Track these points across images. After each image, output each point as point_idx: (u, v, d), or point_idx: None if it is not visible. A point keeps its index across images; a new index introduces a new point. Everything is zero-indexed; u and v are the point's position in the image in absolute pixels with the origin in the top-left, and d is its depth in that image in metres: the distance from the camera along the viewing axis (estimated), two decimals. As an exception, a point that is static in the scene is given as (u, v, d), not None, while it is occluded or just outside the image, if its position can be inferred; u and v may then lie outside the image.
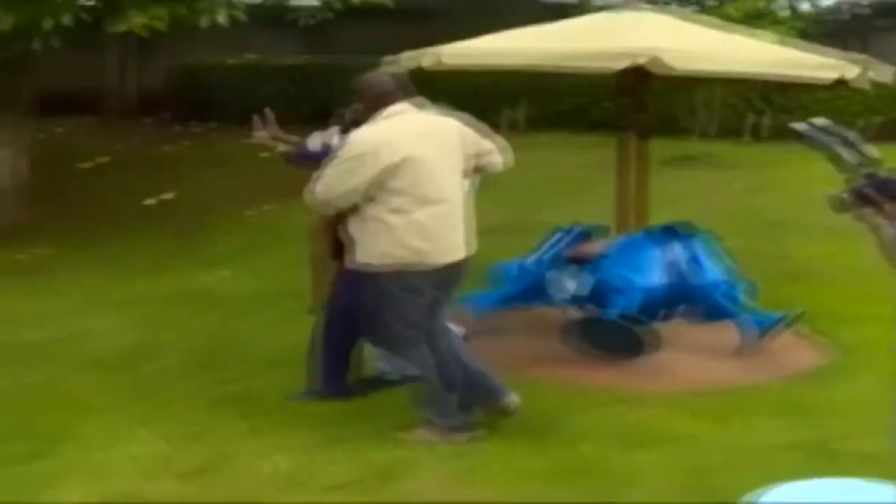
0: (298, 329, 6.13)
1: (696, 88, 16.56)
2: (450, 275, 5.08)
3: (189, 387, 5.84)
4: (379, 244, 4.93)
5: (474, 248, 5.20)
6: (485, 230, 10.35)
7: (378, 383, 5.75)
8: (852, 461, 4.83)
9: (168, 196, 12.16)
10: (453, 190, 5.09)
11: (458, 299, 7.06)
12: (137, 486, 4.43)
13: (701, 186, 13.59)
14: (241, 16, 9.73)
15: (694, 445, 5.12)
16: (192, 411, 5.34)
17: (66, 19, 8.56)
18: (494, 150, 5.35)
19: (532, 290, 7.12)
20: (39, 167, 10.69)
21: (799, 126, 3.19)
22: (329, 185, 4.97)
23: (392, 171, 4.89)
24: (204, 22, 9.49)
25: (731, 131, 17.79)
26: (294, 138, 5.86)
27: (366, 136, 5.01)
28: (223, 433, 5.03)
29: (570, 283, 6.98)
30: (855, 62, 6.60)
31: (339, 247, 5.24)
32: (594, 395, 5.85)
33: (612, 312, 6.54)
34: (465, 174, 5.27)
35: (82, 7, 8.66)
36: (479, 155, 5.27)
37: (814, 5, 21.20)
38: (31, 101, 10.48)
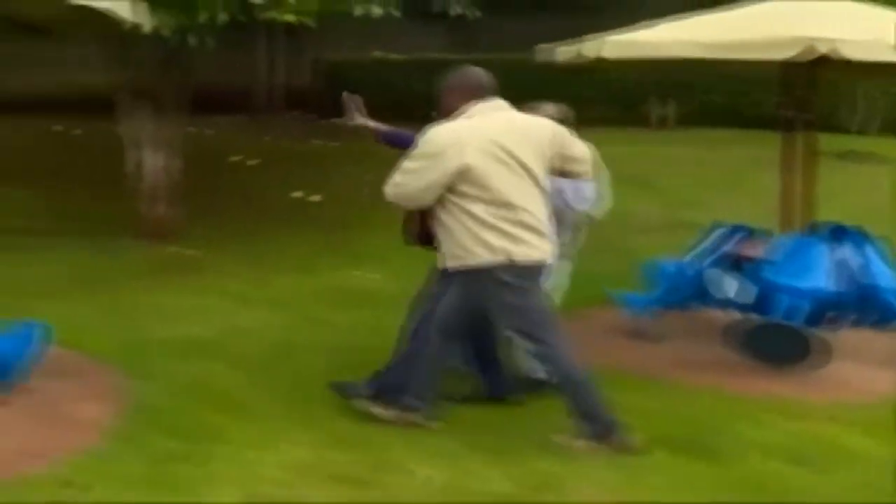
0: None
1: (858, 81, 15.88)
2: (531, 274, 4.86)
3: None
4: (455, 244, 4.84)
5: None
6: (641, 229, 10.27)
7: (531, 384, 5.51)
8: None
9: (315, 194, 12.25)
10: (527, 193, 4.86)
11: (616, 301, 6.92)
12: (289, 489, 4.33)
13: (863, 183, 13.05)
14: (395, 11, 9.62)
15: (871, 465, 4.79)
16: (342, 414, 5.22)
17: (222, 17, 8.59)
18: (582, 160, 5.11)
19: (690, 291, 6.84)
20: (191, 165, 10.84)
21: None
22: (401, 182, 4.86)
23: (458, 175, 4.73)
24: (358, 10, 9.41)
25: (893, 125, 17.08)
26: (383, 127, 5.62)
27: (437, 135, 4.83)
28: (373, 438, 4.90)
29: (731, 283, 6.69)
30: None
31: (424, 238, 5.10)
32: (759, 405, 5.58)
33: (779, 317, 6.23)
34: (550, 172, 5.02)
35: (241, 3, 8.63)
36: (564, 158, 5.02)
37: None
38: (185, 100, 10.62)
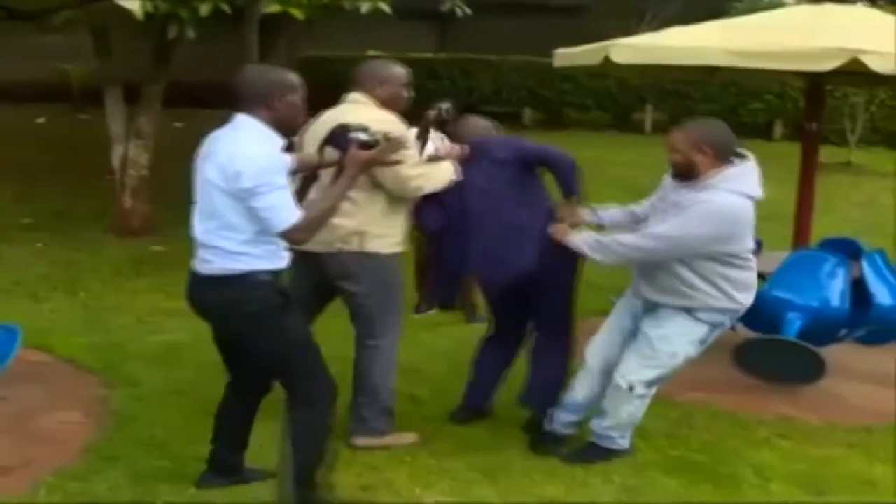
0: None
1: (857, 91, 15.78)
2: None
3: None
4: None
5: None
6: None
7: None
8: None
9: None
10: None
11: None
12: None
13: (859, 195, 12.88)
14: (386, 7, 9.36)
15: (881, 491, 4.64)
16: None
17: (204, 9, 8.28)
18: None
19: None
20: (175, 161, 10.51)
21: None
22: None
23: None
24: (347, 4, 9.17)
25: (885, 138, 16.97)
26: None
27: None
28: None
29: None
30: None
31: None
32: (771, 427, 5.37)
33: (785, 334, 5.97)
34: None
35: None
36: None
37: None
38: (168, 95, 10.32)
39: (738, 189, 4.35)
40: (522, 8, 18.96)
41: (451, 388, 5.37)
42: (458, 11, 10.58)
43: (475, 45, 18.09)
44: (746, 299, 4.55)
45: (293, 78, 3.87)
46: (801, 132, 6.97)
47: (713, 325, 4.54)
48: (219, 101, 18.57)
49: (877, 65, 5.53)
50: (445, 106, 6.88)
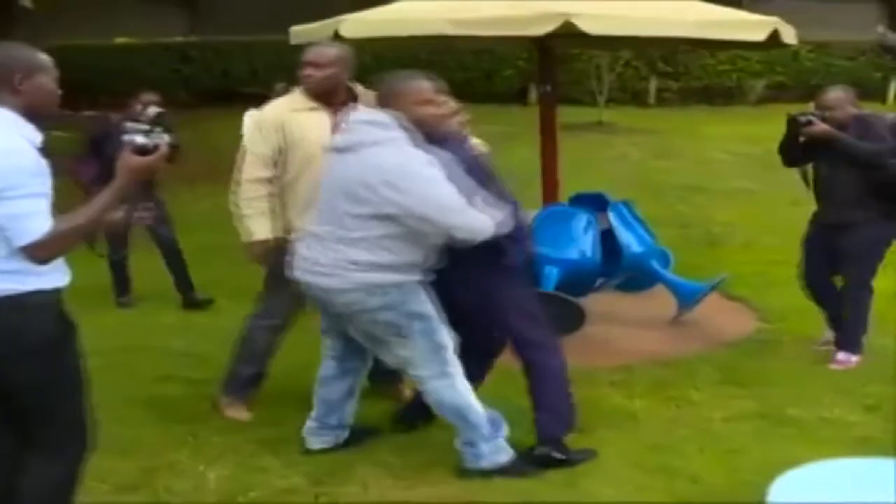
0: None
1: (600, 53, 16.45)
2: None
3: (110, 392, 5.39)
4: None
5: None
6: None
7: None
8: (794, 430, 4.88)
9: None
10: None
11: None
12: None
13: (605, 153, 13.52)
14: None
15: (643, 423, 5.00)
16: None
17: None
18: None
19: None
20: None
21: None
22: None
23: None
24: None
25: (632, 97, 17.83)
26: None
27: None
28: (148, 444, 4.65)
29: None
30: (768, 23, 6.46)
31: None
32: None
33: (542, 287, 6.28)
34: None
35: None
36: None
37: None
38: None
39: None
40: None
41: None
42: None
43: (228, 26, 17.85)
44: None
45: (42, 56, 3.21)
46: (541, 96, 7.27)
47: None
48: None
49: (588, 27, 5.79)
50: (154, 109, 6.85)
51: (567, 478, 4.28)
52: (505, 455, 4.28)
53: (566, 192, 7.30)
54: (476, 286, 4.28)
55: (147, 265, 7.55)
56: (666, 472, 4.34)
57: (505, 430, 4.32)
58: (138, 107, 6.93)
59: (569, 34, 6.00)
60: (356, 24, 6.27)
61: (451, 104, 4.36)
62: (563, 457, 4.37)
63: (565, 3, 5.96)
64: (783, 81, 17.52)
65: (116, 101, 15.89)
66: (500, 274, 4.26)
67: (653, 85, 17.74)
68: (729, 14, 6.70)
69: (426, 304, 4.13)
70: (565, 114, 15.45)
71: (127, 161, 3.15)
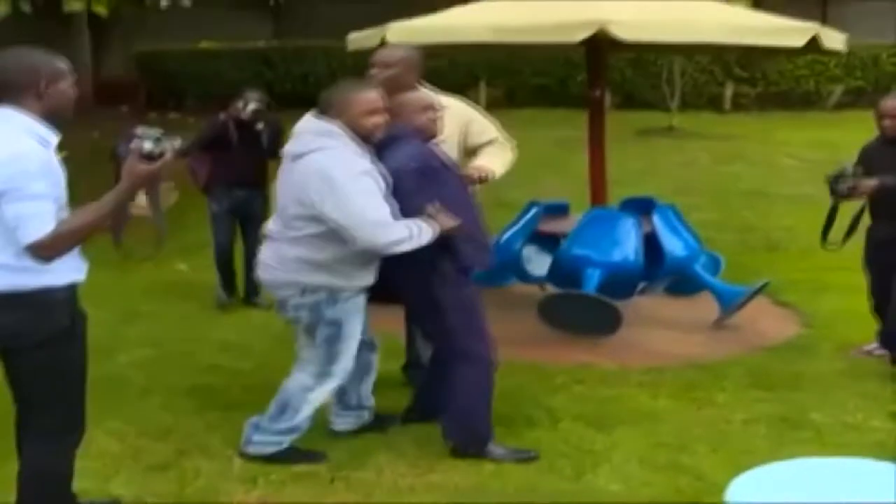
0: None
1: (667, 60, 16.47)
2: None
3: (160, 380, 5.73)
4: None
5: None
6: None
7: None
8: (812, 433, 4.96)
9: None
10: None
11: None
12: (103, 482, 4.30)
13: (674, 158, 13.54)
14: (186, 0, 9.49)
15: (662, 422, 5.10)
16: (159, 405, 5.24)
17: (2, 8, 8.34)
18: None
19: (508, 268, 7.00)
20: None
21: None
22: None
23: None
24: (165, 1, 9.31)
25: (708, 101, 17.74)
26: None
27: None
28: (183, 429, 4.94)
29: (545, 260, 6.91)
30: (808, 29, 6.52)
31: None
32: (569, 374, 5.78)
33: (584, 289, 6.43)
34: None
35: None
36: None
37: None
38: None
39: None
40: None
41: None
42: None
43: (309, 31, 18.24)
44: None
45: (62, 62, 3.40)
46: (592, 101, 7.39)
47: None
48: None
49: (623, 33, 5.93)
50: (252, 105, 7.10)
51: (575, 470, 4.46)
52: (272, 448, 4.47)
53: (621, 195, 7.45)
54: (416, 286, 4.48)
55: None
56: (673, 469, 4.47)
57: (296, 436, 4.50)
58: (240, 104, 7.13)
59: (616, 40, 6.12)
60: (402, 31, 6.52)
61: (422, 99, 4.60)
62: (477, 451, 4.53)
63: (606, 5, 6.11)
64: (862, 86, 17.30)
65: (202, 103, 16.50)
66: (443, 276, 4.42)
67: (729, 90, 17.63)
68: (769, 20, 6.78)
69: (352, 321, 4.39)
70: (637, 119, 15.65)
71: (132, 167, 3.29)
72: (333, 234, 4.20)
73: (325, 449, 4.61)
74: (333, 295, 4.32)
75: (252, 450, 4.49)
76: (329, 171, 4.15)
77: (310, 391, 4.46)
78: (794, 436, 4.92)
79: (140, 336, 6.66)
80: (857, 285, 6.37)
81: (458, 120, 5.23)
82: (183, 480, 4.32)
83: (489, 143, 5.39)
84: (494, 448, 4.55)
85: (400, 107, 4.44)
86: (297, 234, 4.29)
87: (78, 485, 3.91)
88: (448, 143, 4.96)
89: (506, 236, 7.06)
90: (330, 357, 4.41)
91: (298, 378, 4.50)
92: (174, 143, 3.35)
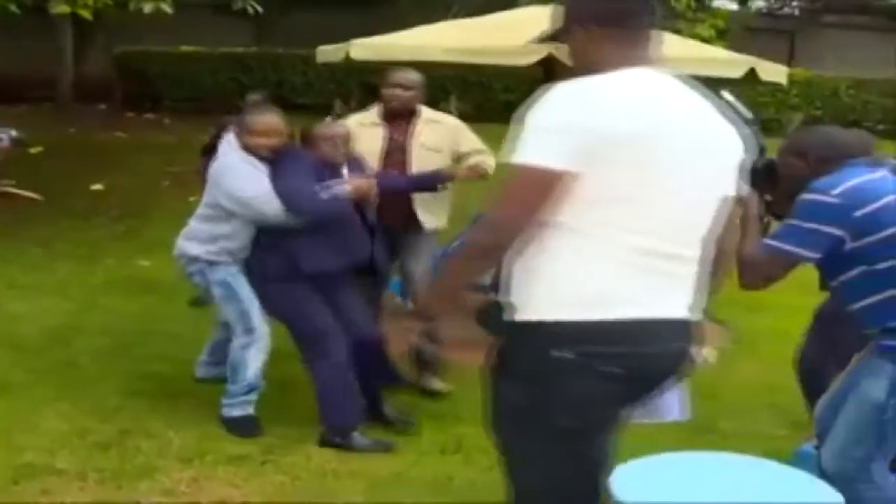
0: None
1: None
2: None
3: (112, 367, 6.04)
4: None
5: None
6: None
7: None
8: (716, 439, 5.32)
9: (106, 184, 12.28)
10: None
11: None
12: (49, 457, 4.60)
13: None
14: (167, 7, 9.76)
15: None
16: (114, 389, 5.59)
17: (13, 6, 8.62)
18: None
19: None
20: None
21: None
22: None
23: None
24: (147, 8, 9.57)
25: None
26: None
27: None
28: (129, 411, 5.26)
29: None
30: (745, 62, 6.90)
31: None
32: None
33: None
34: None
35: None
36: None
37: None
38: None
39: None
40: (334, 2, 19.52)
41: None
42: (250, 9, 11.03)
43: (288, 39, 18.58)
44: None
45: None
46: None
47: None
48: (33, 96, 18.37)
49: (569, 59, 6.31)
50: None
51: (490, 463, 4.65)
52: (239, 411, 5.08)
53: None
54: (268, 293, 5.08)
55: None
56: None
57: (254, 395, 5.10)
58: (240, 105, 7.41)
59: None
60: (363, 48, 6.92)
61: (329, 131, 5.14)
62: (341, 441, 4.92)
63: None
64: (820, 116, 17.83)
65: (177, 105, 16.76)
66: (285, 280, 4.97)
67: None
68: (708, 51, 7.18)
69: (234, 281, 5.07)
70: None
71: None
72: (217, 216, 5.03)
73: (260, 436, 5.00)
74: (209, 263, 5.08)
75: (224, 413, 5.09)
76: (220, 168, 5.04)
77: (246, 349, 5.06)
78: (700, 439, 5.22)
79: (97, 325, 6.96)
80: (792, 305, 6.61)
81: (449, 133, 5.78)
82: (123, 457, 4.67)
83: (478, 151, 5.81)
84: (358, 438, 4.97)
85: (312, 136, 5.09)
86: (199, 213, 5.20)
87: (23, 459, 4.27)
88: (441, 154, 5.61)
89: (452, 247, 7.33)
90: (240, 315, 5.08)
91: (235, 340, 5.10)
92: (10, 134, 3.55)
